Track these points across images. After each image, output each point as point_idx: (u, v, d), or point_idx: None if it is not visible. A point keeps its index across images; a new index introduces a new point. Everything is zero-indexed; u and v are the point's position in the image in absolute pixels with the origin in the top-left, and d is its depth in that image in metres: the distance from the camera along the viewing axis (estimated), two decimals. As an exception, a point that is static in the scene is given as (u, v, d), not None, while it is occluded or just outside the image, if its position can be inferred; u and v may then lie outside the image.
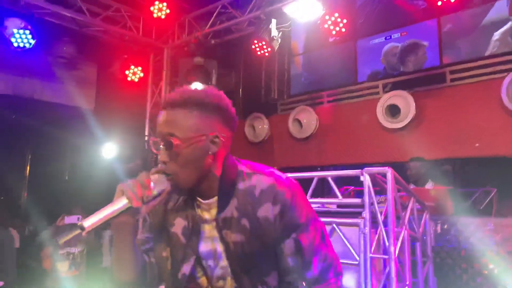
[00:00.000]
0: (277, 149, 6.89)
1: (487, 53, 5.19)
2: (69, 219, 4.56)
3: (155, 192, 1.17)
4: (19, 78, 6.16)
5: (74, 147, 7.45)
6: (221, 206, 1.27)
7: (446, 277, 3.53)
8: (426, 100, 5.46)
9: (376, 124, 5.78)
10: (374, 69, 6.35)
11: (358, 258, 2.56)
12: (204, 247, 1.31)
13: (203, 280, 1.34)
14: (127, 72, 5.48)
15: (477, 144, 5.12)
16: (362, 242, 2.56)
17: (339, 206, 2.96)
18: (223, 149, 1.28)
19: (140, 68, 5.50)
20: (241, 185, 1.28)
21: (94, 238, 4.76)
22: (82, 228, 1.05)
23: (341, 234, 2.70)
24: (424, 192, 4.21)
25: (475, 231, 3.48)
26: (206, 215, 1.30)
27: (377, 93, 6.05)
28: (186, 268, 1.31)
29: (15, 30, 4.48)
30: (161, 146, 1.22)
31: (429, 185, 4.64)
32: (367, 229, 2.55)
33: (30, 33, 4.60)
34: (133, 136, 5.37)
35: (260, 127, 6.97)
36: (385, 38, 6.19)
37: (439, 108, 5.36)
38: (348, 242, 2.67)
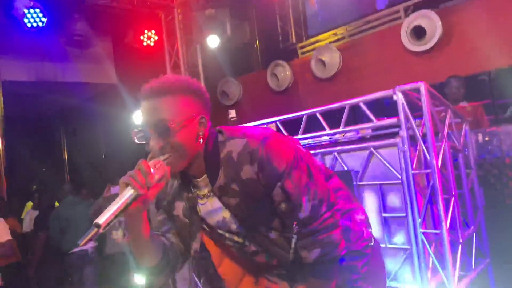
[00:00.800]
0: (303, 93, 6.79)
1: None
2: (115, 189, 4.74)
3: (156, 176, 1.20)
4: (39, 63, 6.25)
5: (105, 123, 7.61)
6: (212, 179, 1.34)
7: (493, 187, 3.47)
8: (453, 15, 5.18)
9: (403, 51, 5.57)
10: (392, -7, 6.05)
11: (400, 177, 2.53)
12: (212, 220, 1.41)
13: (228, 243, 1.45)
14: (141, 37, 5.45)
15: (512, 53, 4.86)
16: (402, 160, 2.52)
17: (374, 131, 2.90)
18: (207, 129, 1.35)
19: (153, 31, 5.46)
20: (222, 154, 1.33)
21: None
22: (98, 226, 1.07)
23: (379, 157, 2.67)
24: (460, 110, 4.08)
25: (519, 138, 3.36)
26: (205, 191, 1.38)
27: (399, 18, 5.79)
28: (195, 245, 1.43)
29: (25, 10, 4.51)
30: (151, 134, 1.26)
31: (464, 104, 4.49)
32: (406, 147, 2.50)
33: (41, 11, 4.62)
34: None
35: (282, 75, 6.86)
36: (400, -43, 5.84)
37: (467, 21, 5.09)
38: (389, 163, 2.63)
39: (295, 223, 1.32)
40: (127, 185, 1.16)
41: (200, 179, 1.37)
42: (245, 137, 1.32)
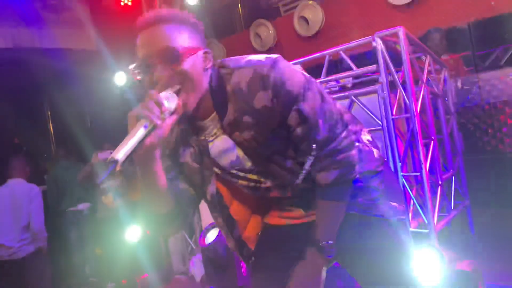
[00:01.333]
0: (288, 52, 6.73)
1: None
2: (102, 155, 4.77)
3: (170, 107, 1.11)
4: (15, 29, 6.05)
5: (88, 91, 7.49)
6: (221, 116, 1.27)
7: (472, 134, 3.56)
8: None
9: (384, 4, 5.51)
10: None
11: (380, 123, 2.58)
12: (226, 160, 1.34)
13: (242, 183, 1.40)
14: (118, -3, 5.31)
15: (492, 3, 4.86)
16: (382, 106, 2.56)
17: (355, 79, 2.91)
18: (211, 64, 1.28)
19: (130, -10, 5.32)
20: (228, 87, 1.26)
21: (130, 169, 5.01)
22: (116, 162, 0.98)
23: (360, 105, 2.70)
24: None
25: (496, 84, 3.43)
26: (214, 130, 1.31)
27: (381, -29, 5.69)
28: (211, 189, 1.38)
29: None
30: (155, 65, 1.17)
31: (445, 57, 4.52)
32: (385, 92, 2.53)
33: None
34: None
35: (265, 34, 6.76)
36: None
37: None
38: (369, 110, 2.67)
39: (313, 145, 1.27)
40: (139, 118, 1.06)
41: (208, 119, 1.30)
42: (252, 64, 1.24)
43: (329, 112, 1.28)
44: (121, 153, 0.99)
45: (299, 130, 1.27)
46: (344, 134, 1.29)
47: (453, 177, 3.06)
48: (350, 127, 1.34)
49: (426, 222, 2.51)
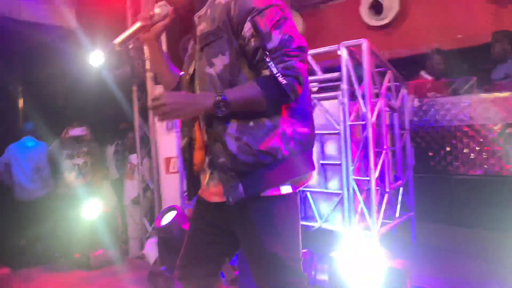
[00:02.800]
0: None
1: None
2: (73, 131, 4.77)
3: (160, 13, 1.56)
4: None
5: (63, 68, 7.40)
6: (200, 7, 1.58)
7: (424, 151, 3.79)
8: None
9: (361, 24, 5.77)
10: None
11: (338, 127, 2.75)
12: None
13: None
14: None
15: (459, 35, 5.19)
16: (341, 112, 2.73)
17: (321, 84, 3.08)
18: None
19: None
20: None
21: (97, 151, 5.03)
22: (114, 44, 1.49)
23: (322, 108, 2.86)
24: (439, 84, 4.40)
25: (451, 109, 3.68)
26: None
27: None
28: (191, 70, 1.59)
29: None
30: None
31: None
32: (345, 99, 2.70)
33: None
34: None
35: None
36: None
37: (423, 1, 5.37)
38: (330, 115, 2.83)
39: (265, 56, 1.33)
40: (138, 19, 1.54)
41: (199, 14, 1.59)
42: None
43: (287, 30, 1.35)
44: (118, 39, 1.51)
45: (253, 43, 1.36)
46: (297, 52, 1.35)
47: (402, 188, 3.26)
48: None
49: (371, 225, 2.68)
